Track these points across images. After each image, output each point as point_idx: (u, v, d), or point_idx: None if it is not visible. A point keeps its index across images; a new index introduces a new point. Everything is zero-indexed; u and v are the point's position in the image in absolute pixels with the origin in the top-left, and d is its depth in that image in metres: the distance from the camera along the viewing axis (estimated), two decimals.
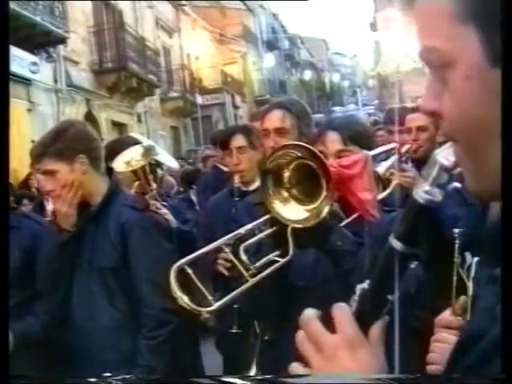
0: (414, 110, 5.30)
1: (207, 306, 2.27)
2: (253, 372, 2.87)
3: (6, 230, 2.72)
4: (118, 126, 25.74)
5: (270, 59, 53.28)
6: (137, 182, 4.50)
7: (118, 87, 24.91)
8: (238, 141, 4.49)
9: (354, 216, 2.62)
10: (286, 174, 2.44)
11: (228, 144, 4.53)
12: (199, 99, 35.86)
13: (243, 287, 2.42)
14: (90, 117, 22.69)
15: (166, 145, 29.31)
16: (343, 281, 2.53)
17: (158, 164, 5.47)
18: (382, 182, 2.97)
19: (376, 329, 1.22)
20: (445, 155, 1.10)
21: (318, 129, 3.24)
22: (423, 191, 1.13)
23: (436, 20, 0.95)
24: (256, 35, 52.72)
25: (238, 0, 48.11)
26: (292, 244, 2.48)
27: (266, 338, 2.98)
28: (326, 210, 2.36)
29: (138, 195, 4.36)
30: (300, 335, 1.24)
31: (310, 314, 1.25)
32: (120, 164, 4.54)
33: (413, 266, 1.21)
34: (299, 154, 2.39)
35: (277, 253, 2.52)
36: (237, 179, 4.38)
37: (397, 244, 1.16)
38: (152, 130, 29.16)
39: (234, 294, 2.42)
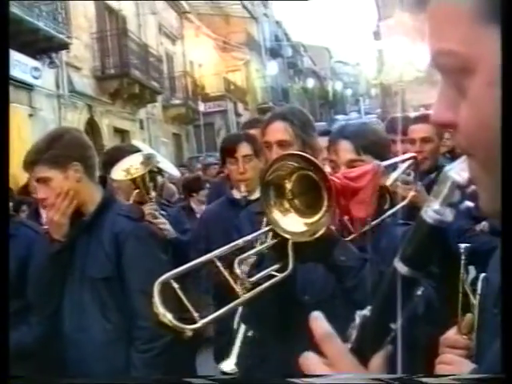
0: (418, 120, 5.24)
1: (192, 323, 2.19)
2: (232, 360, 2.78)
3: (6, 237, 2.66)
4: (120, 132, 25.70)
5: (272, 67, 53.34)
6: (136, 191, 4.44)
7: (120, 93, 24.89)
8: (245, 149, 4.39)
9: (363, 230, 2.52)
10: (288, 184, 2.33)
11: (234, 152, 4.43)
12: (201, 106, 35.80)
13: (233, 304, 2.32)
14: (91, 123, 22.71)
15: (167, 152, 29.30)
16: (346, 298, 2.46)
17: (159, 171, 5.41)
18: (390, 194, 2.87)
19: (377, 360, 1.10)
20: (457, 171, 1.00)
21: (330, 137, 3.14)
22: (433, 210, 1.02)
23: (453, 21, 0.84)
24: (259, 43, 52.76)
25: (241, 7, 48.13)
26: (292, 258, 2.37)
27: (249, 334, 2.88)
28: (325, 225, 2.26)
29: (133, 205, 4.32)
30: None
31: (309, 354, 1.12)
32: (119, 172, 4.49)
33: (419, 292, 1.11)
34: (299, 165, 2.29)
35: (276, 266, 2.43)
36: (243, 188, 4.31)
37: (402, 267, 1.06)
38: (154, 136, 29.14)
39: (222, 311, 2.33)
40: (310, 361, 1.10)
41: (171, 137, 32.89)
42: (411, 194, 3.15)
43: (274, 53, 57.69)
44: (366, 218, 2.43)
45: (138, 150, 5.06)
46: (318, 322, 1.12)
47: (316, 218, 2.28)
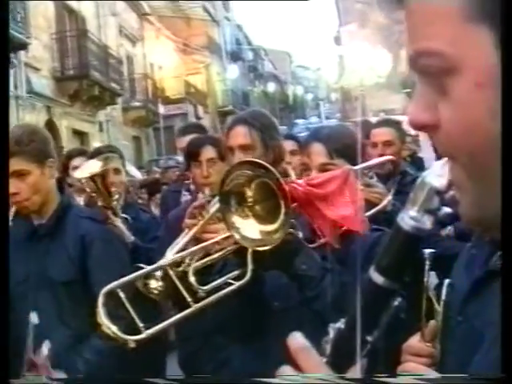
0: (380, 124, 5.28)
1: (137, 334, 2.14)
2: None
3: (7, 237, 2.58)
4: (79, 134, 25.49)
5: (233, 70, 53.31)
6: (92, 191, 4.41)
7: (79, 95, 24.72)
8: (209, 152, 4.33)
9: (323, 240, 2.47)
10: (249, 192, 2.29)
11: (198, 155, 4.37)
12: (162, 109, 35.62)
13: (182, 314, 2.29)
14: (50, 124, 22.44)
15: (127, 154, 28.96)
16: (307, 308, 2.43)
17: (125, 174, 5.35)
18: None
19: (354, 374, 1.04)
20: (435, 176, 0.96)
21: (303, 140, 3.12)
22: (410, 217, 0.97)
23: (440, 19, 0.81)
24: (220, 46, 52.69)
25: (202, 9, 48.05)
26: (250, 266, 2.35)
27: None
28: (280, 237, 2.20)
29: (96, 207, 4.30)
30: None
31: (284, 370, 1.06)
32: (81, 172, 4.47)
33: (396, 302, 1.06)
34: (256, 173, 2.24)
35: (233, 274, 2.41)
36: (207, 192, 4.28)
37: (378, 278, 1.01)
38: (113, 139, 28.89)
39: (170, 321, 2.30)
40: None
41: (131, 139, 32.67)
42: (387, 199, 3.14)
43: (235, 56, 57.67)
44: (357, 212, 2.38)
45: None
46: (296, 336, 1.06)
47: (273, 227, 2.23)
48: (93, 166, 4.47)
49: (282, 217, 2.18)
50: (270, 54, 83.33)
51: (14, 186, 3.23)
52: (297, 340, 1.05)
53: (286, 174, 3.63)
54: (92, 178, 4.41)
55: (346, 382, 0.95)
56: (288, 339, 1.06)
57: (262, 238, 2.26)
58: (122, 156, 5.43)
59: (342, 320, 1.10)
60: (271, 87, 73.91)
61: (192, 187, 4.91)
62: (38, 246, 3.33)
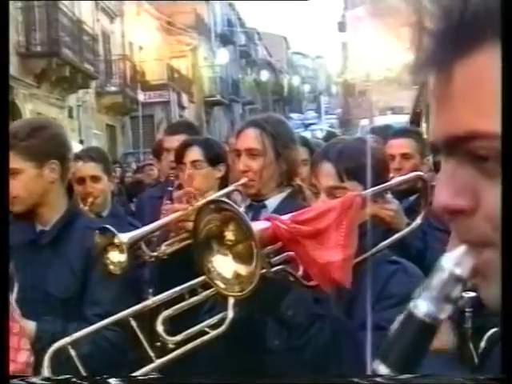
0: (398, 134, 5.15)
1: None
2: None
3: (6, 237, 2.55)
4: None
5: (223, 55, 53.38)
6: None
7: (47, 75, 24.61)
8: (194, 154, 4.33)
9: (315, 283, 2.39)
10: (227, 233, 2.21)
11: (182, 157, 4.38)
12: (141, 95, 35.56)
13: (147, 368, 2.35)
14: (12, 107, 22.29)
15: (100, 146, 28.98)
16: (295, 357, 2.39)
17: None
18: None
19: None
20: (456, 262, 0.91)
21: (313, 158, 3.03)
22: (425, 304, 0.94)
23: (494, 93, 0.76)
24: (209, 27, 52.77)
25: None
26: (231, 313, 2.37)
27: None
28: (255, 279, 2.12)
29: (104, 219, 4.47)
30: None
31: None
32: None
33: None
34: (228, 214, 2.16)
35: (212, 320, 2.44)
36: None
37: (384, 370, 0.96)
38: (85, 127, 28.88)
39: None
40: None
41: (105, 128, 32.67)
42: (405, 221, 3.05)
43: (226, 39, 57.78)
44: (347, 260, 2.24)
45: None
46: None
47: (246, 271, 2.16)
48: None
49: (254, 260, 2.11)
50: (264, 38, 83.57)
51: None
52: None
53: (301, 191, 3.60)
54: None
55: None
56: None
57: (234, 279, 2.21)
58: (105, 160, 5.21)
59: None
60: (264, 76, 74.08)
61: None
62: (39, 255, 3.32)
